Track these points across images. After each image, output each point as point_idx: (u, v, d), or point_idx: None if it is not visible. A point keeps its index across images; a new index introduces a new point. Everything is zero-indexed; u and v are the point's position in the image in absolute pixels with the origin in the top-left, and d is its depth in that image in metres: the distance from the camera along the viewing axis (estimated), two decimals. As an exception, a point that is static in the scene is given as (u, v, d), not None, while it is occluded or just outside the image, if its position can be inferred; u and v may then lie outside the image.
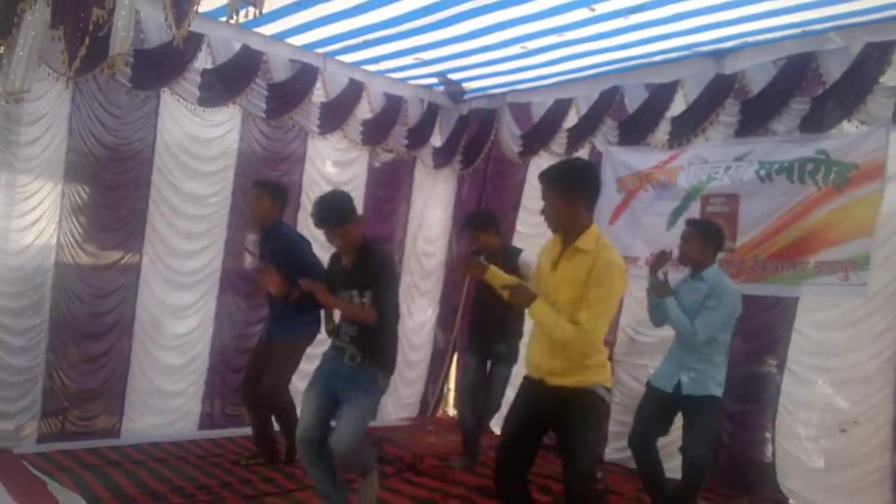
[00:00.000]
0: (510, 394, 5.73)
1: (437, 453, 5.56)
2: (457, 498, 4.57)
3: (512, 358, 5.07)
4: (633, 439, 4.16)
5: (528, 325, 4.34)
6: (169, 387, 5.65)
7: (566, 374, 3.09)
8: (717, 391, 4.05)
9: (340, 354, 3.69)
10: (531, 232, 6.24)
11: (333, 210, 3.62)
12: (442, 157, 7.02)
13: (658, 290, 4.17)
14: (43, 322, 5.03)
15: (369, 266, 3.65)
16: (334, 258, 3.89)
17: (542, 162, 6.15)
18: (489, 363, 5.19)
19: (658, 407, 4.17)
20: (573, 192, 3.08)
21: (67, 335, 5.14)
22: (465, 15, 4.88)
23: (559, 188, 3.09)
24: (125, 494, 4.14)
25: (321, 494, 3.75)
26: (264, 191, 4.85)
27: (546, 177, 3.15)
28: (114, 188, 5.29)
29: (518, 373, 4.92)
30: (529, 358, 3.28)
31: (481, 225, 5.13)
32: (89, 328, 5.25)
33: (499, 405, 5.14)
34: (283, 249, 4.70)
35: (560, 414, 3.10)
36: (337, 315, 3.94)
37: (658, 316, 4.26)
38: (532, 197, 6.46)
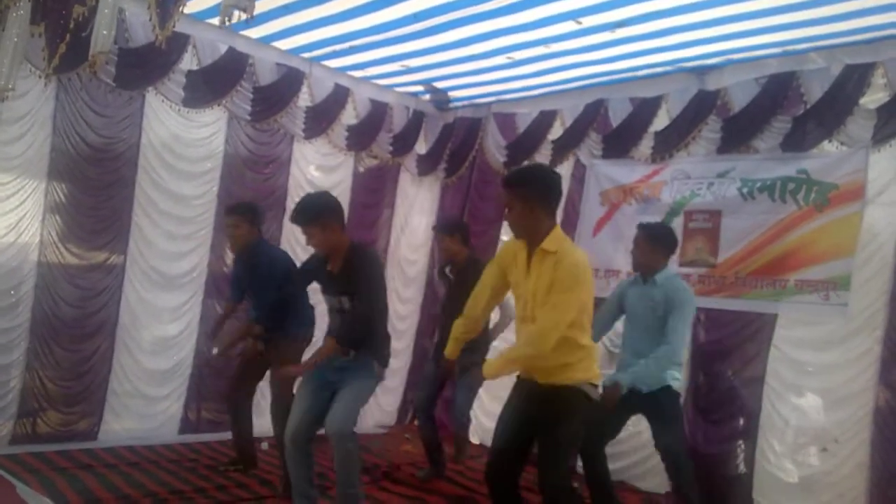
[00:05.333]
0: (491, 405, 5.80)
1: (413, 462, 5.53)
2: (432, 507, 4.58)
3: (477, 374, 5.06)
4: (586, 447, 4.07)
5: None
6: (151, 391, 5.58)
7: (553, 372, 3.18)
8: (674, 383, 4.15)
9: (335, 355, 3.72)
10: (514, 242, 6.23)
11: (306, 208, 3.73)
12: (426, 165, 7.02)
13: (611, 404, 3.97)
14: (23, 322, 4.96)
15: (356, 269, 3.69)
16: (316, 260, 3.90)
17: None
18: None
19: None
20: (534, 195, 3.15)
21: (49, 336, 5.06)
22: (452, 24, 4.88)
23: (521, 191, 3.16)
24: (96, 499, 4.09)
25: (298, 493, 3.78)
26: (242, 216, 4.68)
27: (507, 180, 3.25)
28: (98, 188, 5.23)
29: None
30: None
31: (448, 229, 5.14)
32: (71, 329, 5.18)
33: (465, 413, 5.15)
34: (266, 267, 4.60)
35: (545, 409, 3.18)
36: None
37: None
38: (516, 207, 6.47)
